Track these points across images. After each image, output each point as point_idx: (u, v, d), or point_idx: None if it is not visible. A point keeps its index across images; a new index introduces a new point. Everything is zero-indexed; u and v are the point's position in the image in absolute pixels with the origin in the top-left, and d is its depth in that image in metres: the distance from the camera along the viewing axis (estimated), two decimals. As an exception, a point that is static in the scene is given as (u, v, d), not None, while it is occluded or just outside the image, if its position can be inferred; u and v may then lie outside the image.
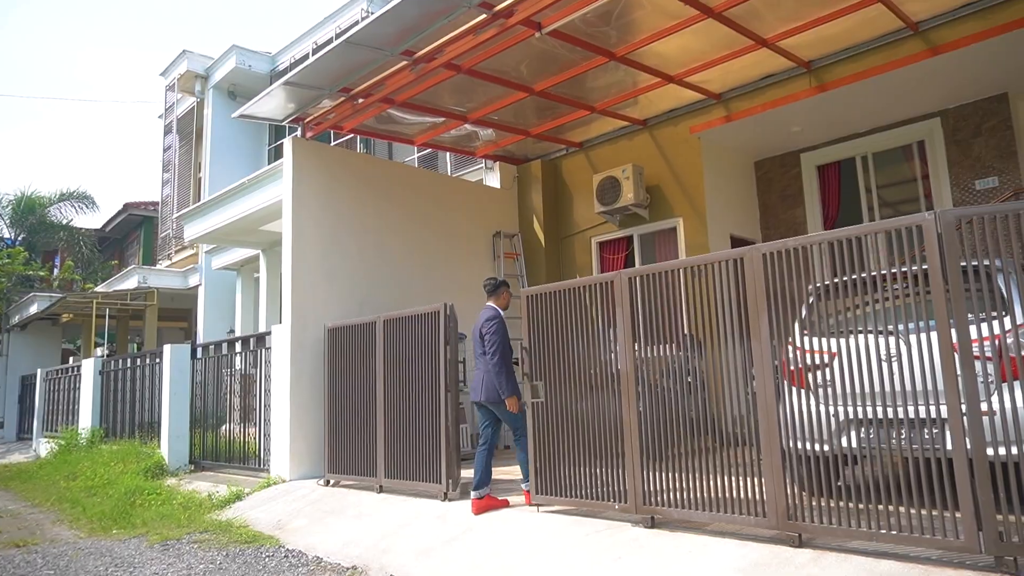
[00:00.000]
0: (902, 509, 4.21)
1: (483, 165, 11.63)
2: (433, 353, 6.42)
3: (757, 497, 4.23)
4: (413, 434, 6.54)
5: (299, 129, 9.06)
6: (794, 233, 10.39)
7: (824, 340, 4.61)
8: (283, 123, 8.82)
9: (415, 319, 6.67)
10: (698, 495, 4.46)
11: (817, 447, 4.67)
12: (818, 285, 4.55)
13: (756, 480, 4.26)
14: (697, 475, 4.51)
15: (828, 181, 10.29)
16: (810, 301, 5.13)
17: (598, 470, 5.05)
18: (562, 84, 8.80)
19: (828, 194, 10.28)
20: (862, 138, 9.82)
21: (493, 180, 11.48)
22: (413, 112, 9.33)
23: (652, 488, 4.68)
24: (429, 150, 12.86)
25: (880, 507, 4.05)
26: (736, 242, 10.19)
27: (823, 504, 4.07)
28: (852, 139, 9.91)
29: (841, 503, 4.15)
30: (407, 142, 10.47)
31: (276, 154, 15.80)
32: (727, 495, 4.33)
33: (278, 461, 8.13)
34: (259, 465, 8.71)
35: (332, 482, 7.50)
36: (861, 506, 4.09)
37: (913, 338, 4.30)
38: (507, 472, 7.62)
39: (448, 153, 12.41)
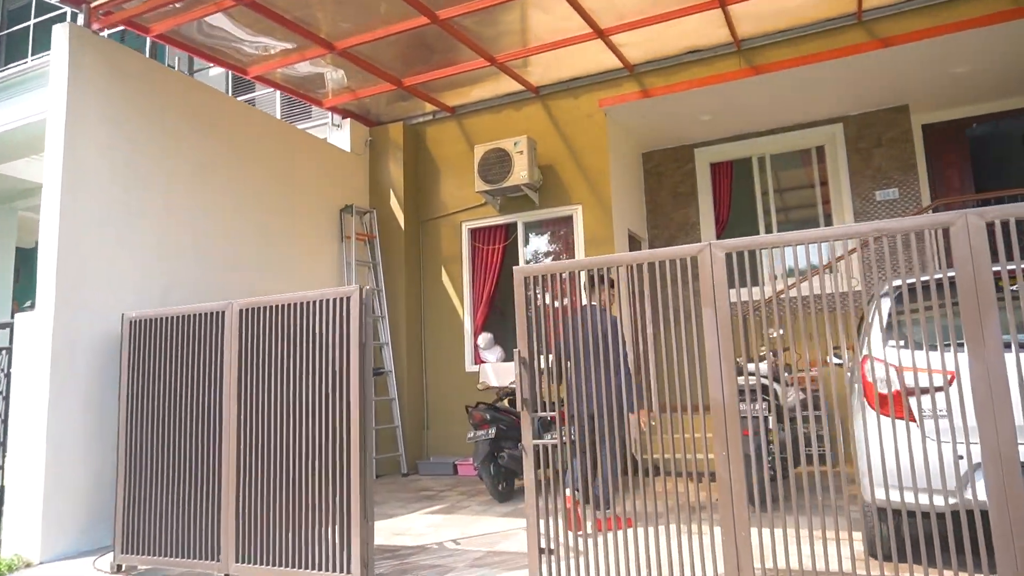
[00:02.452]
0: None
1: (328, 121, 9.14)
2: (336, 362, 4.10)
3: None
4: (293, 489, 4.14)
5: (79, 17, 5.99)
6: (686, 234, 9.48)
7: (929, 354, 3.35)
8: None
9: (301, 308, 4.27)
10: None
11: (927, 500, 3.43)
12: (903, 281, 3.21)
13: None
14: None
15: (721, 180, 9.53)
16: (890, 300, 3.88)
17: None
18: (468, 17, 6.84)
19: (720, 194, 9.51)
20: (761, 138, 9.18)
21: (339, 141, 9.04)
22: (261, 25, 6.71)
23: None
24: (249, 94, 9.99)
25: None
26: (632, 240, 8.99)
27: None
28: (750, 138, 9.24)
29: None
30: (237, 69, 7.69)
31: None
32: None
33: (20, 531, 5.06)
34: (-24, 533, 5.47)
35: (125, 567, 4.70)
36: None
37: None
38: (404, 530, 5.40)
39: (279, 98, 9.70)
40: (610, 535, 4.58)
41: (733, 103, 8.26)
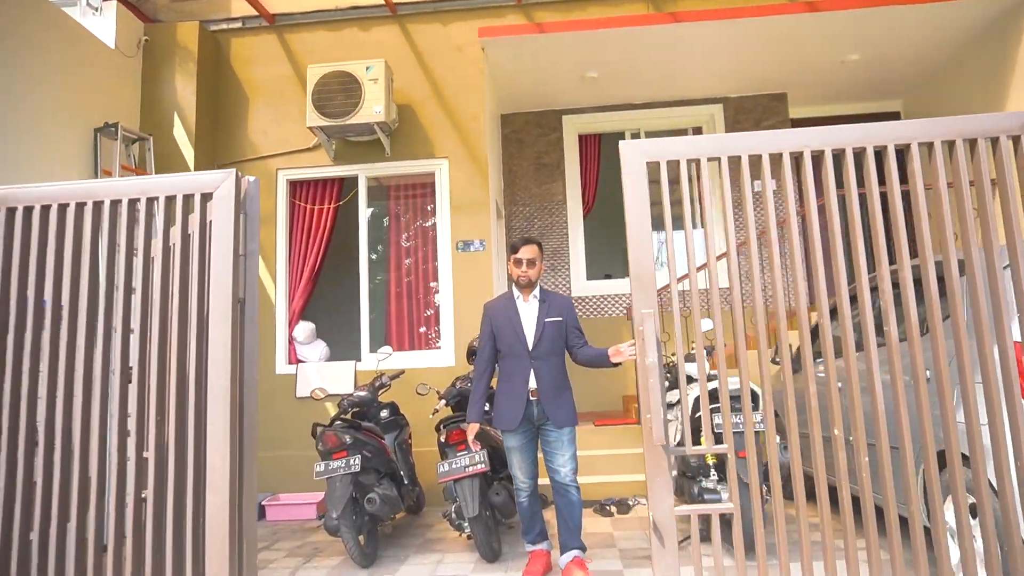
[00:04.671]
0: None
1: (80, 1, 6.17)
2: (178, 325, 1.87)
3: None
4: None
5: None
6: (549, 213, 8.09)
7: None
8: None
9: (94, 214, 1.95)
10: None
11: None
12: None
13: None
14: None
15: (589, 155, 8.30)
16: None
17: None
18: None
19: (588, 171, 8.28)
20: (638, 111, 8.13)
21: (98, 33, 6.14)
22: None
23: None
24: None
25: None
26: (496, 212, 7.34)
27: None
28: (625, 110, 8.15)
29: None
30: None
31: None
32: None
33: None
34: None
35: None
36: None
37: None
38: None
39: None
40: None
41: (628, 59, 7.02)
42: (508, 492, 4.37)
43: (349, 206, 6.66)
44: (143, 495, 2.12)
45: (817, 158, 2.04)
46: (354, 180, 6.64)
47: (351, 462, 4.24)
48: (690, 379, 5.30)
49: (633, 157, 1.89)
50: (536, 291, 3.87)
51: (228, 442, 1.77)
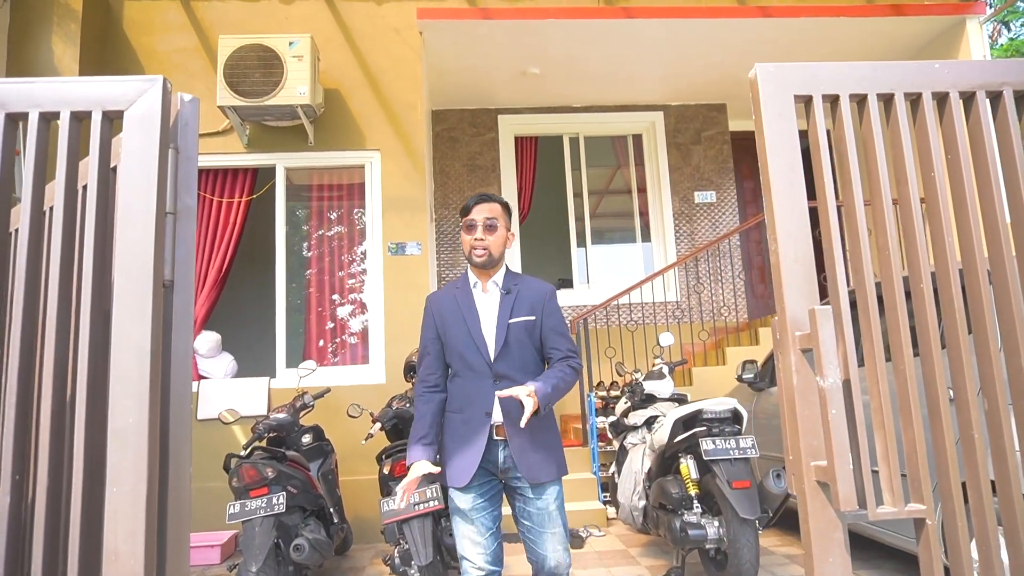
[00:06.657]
0: None
1: (-70, -64, 5.09)
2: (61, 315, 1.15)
3: None
4: None
5: None
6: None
7: None
8: None
9: None
10: None
11: None
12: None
13: None
14: None
15: (527, 158, 7.82)
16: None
17: None
18: None
19: (524, 176, 7.79)
20: (577, 114, 7.73)
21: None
22: None
23: None
24: None
25: None
26: (432, 214, 6.69)
27: None
28: (564, 112, 7.73)
29: None
30: None
31: None
32: None
33: None
34: None
35: None
36: None
37: None
38: None
39: None
40: None
41: (573, 56, 6.58)
42: (462, 532, 3.72)
43: (264, 200, 5.84)
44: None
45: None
46: (271, 171, 5.84)
47: (274, 501, 3.49)
48: (651, 398, 4.86)
49: (773, 89, 1.30)
50: (500, 275, 2.61)
51: (142, 513, 1.08)
